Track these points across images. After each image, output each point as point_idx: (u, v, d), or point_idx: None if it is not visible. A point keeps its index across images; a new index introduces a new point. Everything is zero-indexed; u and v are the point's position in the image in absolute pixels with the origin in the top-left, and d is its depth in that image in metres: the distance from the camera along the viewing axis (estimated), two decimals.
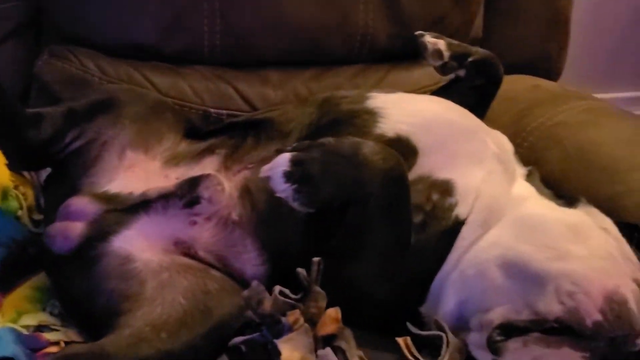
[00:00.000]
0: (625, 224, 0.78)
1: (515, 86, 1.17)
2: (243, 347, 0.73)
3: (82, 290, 0.77)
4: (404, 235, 0.73)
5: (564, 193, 0.88)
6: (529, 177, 0.90)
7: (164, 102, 0.97)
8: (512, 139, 1.02)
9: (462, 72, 1.00)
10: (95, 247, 0.77)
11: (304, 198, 0.69)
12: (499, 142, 0.90)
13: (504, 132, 0.99)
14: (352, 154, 0.70)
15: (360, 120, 0.84)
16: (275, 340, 0.65)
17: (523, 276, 0.69)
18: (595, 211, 0.80)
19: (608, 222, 0.77)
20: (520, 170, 0.91)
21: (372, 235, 0.72)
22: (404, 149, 0.81)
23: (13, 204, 0.92)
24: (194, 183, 0.80)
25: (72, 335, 0.76)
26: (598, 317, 0.62)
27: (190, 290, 0.75)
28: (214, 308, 0.74)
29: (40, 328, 0.76)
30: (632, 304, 0.63)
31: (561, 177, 0.93)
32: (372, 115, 0.85)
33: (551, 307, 0.65)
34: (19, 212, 0.92)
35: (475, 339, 0.71)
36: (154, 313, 0.71)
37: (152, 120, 0.91)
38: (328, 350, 0.63)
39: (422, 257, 0.76)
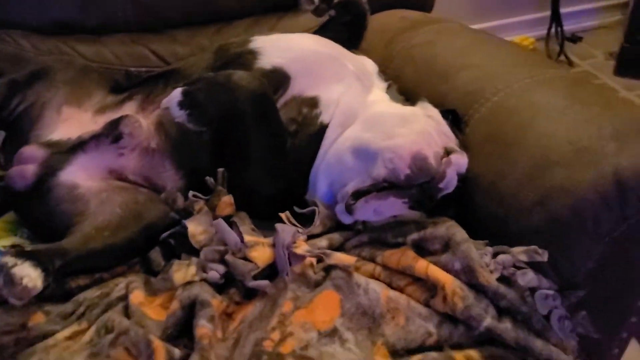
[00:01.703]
0: (446, 110, 1.03)
1: (386, 19, 1.40)
2: (172, 241, 0.97)
3: (42, 216, 0.99)
4: (278, 141, 0.97)
5: (412, 97, 1.13)
6: (388, 90, 1.14)
7: (89, 66, 1.18)
8: (382, 63, 1.25)
9: (332, 12, 1.23)
10: (47, 182, 0.99)
11: (195, 119, 0.93)
12: (360, 65, 1.14)
13: (376, 58, 1.22)
14: (225, 82, 0.93)
15: (244, 60, 1.07)
16: (184, 221, 0.89)
17: (365, 156, 0.93)
18: (428, 105, 1.05)
19: (434, 111, 1.02)
20: (381, 85, 1.15)
21: (251, 144, 0.95)
22: (279, 77, 1.04)
23: None
24: (115, 123, 1.02)
25: None
26: (407, 171, 0.87)
27: (124, 203, 0.98)
28: (144, 213, 0.97)
29: (14, 247, 0.98)
30: (432, 160, 0.88)
31: (413, 86, 1.17)
32: (253, 54, 1.07)
33: (380, 172, 0.89)
34: None
35: (340, 208, 0.95)
36: (97, 221, 0.94)
37: (82, 81, 1.13)
38: (220, 219, 0.87)
39: (299, 156, 1.00)
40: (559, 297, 0.81)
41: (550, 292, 0.80)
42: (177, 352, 0.74)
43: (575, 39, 2.63)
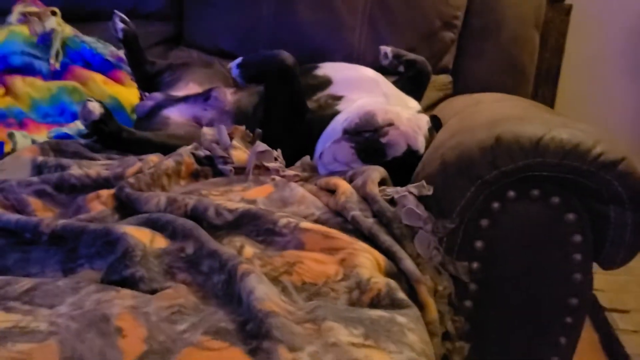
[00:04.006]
0: (432, 116, 1.25)
1: (458, 99, 1.68)
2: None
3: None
4: (295, 106, 1.31)
5: None
6: None
7: (222, 70, 1.70)
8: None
9: (402, 68, 1.58)
10: (155, 113, 1.48)
11: (242, 76, 1.34)
12: (397, 94, 1.43)
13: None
14: (270, 54, 1.33)
15: (307, 68, 1.47)
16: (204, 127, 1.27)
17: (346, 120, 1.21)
18: (423, 114, 1.28)
19: (423, 116, 1.25)
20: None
21: (275, 102, 1.31)
22: (324, 80, 1.41)
23: (135, 116, 1.69)
24: (210, 89, 1.49)
25: None
26: (357, 120, 1.12)
27: (189, 131, 1.40)
28: (195, 137, 1.37)
29: None
30: (378, 118, 1.11)
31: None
32: (315, 67, 1.47)
33: (344, 125, 1.16)
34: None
35: (318, 160, 1.23)
36: (166, 133, 1.38)
37: (210, 74, 1.64)
38: (222, 126, 1.22)
39: (313, 127, 1.31)
40: (431, 224, 0.94)
41: (418, 211, 0.94)
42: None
43: None
